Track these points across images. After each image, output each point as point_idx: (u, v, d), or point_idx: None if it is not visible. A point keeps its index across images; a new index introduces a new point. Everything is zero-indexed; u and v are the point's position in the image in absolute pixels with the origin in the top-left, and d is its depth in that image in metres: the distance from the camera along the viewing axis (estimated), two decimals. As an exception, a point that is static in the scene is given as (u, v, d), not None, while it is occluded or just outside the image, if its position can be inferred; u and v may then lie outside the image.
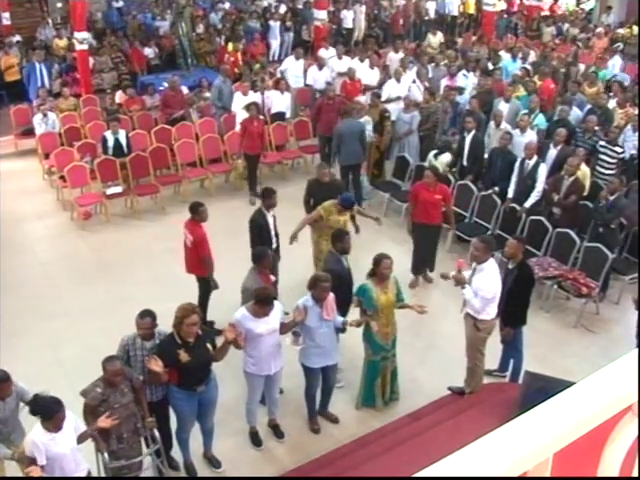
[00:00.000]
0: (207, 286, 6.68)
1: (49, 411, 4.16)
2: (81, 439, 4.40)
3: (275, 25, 17.05)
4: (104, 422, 4.42)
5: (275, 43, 17.03)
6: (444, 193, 7.62)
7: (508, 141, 8.58)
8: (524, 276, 5.79)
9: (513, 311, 5.84)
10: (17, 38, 15.32)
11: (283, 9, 18.59)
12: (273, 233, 6.87)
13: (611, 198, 7.38)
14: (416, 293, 7.47)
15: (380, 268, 5.52)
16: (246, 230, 8.83)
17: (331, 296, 5.37)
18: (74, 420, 4.37)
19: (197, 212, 6.55)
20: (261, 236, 6.68)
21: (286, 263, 7.06)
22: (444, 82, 11.53)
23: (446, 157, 9.06)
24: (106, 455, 4.64)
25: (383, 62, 13.24)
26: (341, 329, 5.54)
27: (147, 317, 4.91)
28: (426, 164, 8.99)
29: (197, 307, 4.97)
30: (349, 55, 13.12)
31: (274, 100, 11.19)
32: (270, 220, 6.86)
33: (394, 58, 13.25)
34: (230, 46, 14.73)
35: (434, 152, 9.21)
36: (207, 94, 11.73)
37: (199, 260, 6.58)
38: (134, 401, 4.77)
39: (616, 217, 7.39)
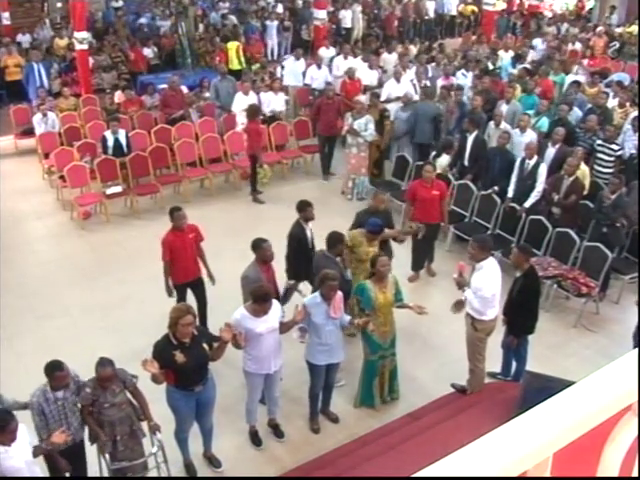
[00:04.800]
0: (200, 292, 6.60)
1: (1, 422, 4.03)
2: (36, 453, 4.30)
3: (272, 25, 17.04)
4: (58, 437, 4.30)
5: (271, 42, 17.01)
6: (441, 189, 7.67)
7: (506, 140, 8.61)
8: (529, 286, 5.77)
9: (518, 320, 5.86)
10: (27, 38, 15.36)
11: (281, 9, 18.59)
12: (310, 247, 6.64)
13: (612, 197, 7.39)
14: (416, 292, 7.47)
15: (377, 266, 5.54)
16: (246, 229, 8.86)
17: (339, 295, 5.38)
18: (27, 434, 4.26)
19: (170, 216, 6.43)
20: (299, 249, 6.51)
21: (283, 265, 7.04)
22: (440, 82, 11.54)
23: (445, 159, 9.10)
24: (107, 457, 4.64)
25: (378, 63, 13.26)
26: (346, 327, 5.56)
27: (63, 370, 4.47)
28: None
29: (191, 307, 4.95)
30: (351, 55, 13.12)
31: (271, 101, 11.16)
32: (308, 233, 6.66)
33: (388, 59, 13.26)
34: (227, 45, 14.69)
35: (433, 154, 9.26)
36: (207, 94, 11.74)
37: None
38: (129, 403, 4.76)
39: (620, 216, 7.39)
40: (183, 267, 6.48)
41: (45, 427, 4.44)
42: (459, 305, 5.81)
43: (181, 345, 4.73)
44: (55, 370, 4.42)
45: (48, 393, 4.46)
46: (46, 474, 4.65)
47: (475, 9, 20.70)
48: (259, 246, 5.81)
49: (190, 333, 4.75)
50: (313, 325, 5.36)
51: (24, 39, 15.43)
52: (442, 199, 7.68)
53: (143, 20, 17.08)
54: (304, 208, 6.60)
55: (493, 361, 6.08)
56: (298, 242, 6.52)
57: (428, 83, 11.43)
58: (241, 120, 10.53)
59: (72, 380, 4.59)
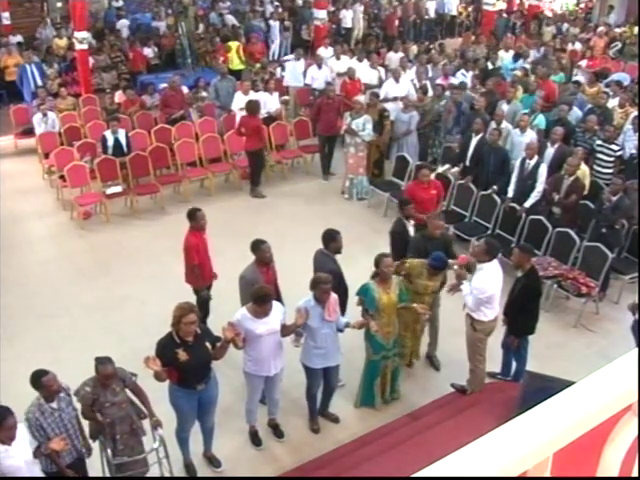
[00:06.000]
0: (200, 298, 6.50)
1: None
2: (36, 454, 4.28)
3: (275, 25, 17.04)
4: (56, 444, 4.28)
5: (275, 43, 17.00)
6: (438, 187, 7.75)
7: (497, 137, 8.66)
8: (530, 286, 5.77)
9: (518, 320, 5.86)
10: (18, 39, 15.31)
11: (280, 9, 18.58)
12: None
13: (614, 199, 7.38)
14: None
15: (381, 267, 5.52)
16: (246, 229, 8.86)
17: (333, 297, 5.35)
18: (28, 433, 4.25)
19: (192, 218, 6.32)
20: (403, 245, 6.47)
21: (286, 262, 7.04)
22: (439, 82, 11.55)
23: (455, 169, 9.15)
24: (109, 451, 4.65)
25: (382, 62, 13.26)
26: (341, 330, 5.54)
27: (49, 374, 4.40)
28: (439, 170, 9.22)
29: (195, 306, 4.94)
30: (348, 55, 13.13)
31: (266, 102, 11.15)
32: (410, 229, 6.69)
33: (393, 58, 13.28)
34: (229, 45, 14.68)
35: (447, 166, 9.32)
36: (204, 94, 11.73)
37: (189, 269, 6.40)
38: (129, 401, 4.76)
39: (621, 218, 7.38)
40: (208, 269, 6.47)
41: (45, 442, 4.37)
42: (454, 287, 5.83)
43: (184, 343, 4.74)
44: (40, 377, 4.36)
45: (43, 406, 4.39)
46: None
47: (469, 9, 20.79)
48: (258, 247, 5.79)
49: (193, 332, 4.75)
50: (308, 328, 5.34)
51: (16, 39, 15.30)
52: (439, 197, 7.72)
53: (125, 21, 16.92)
54: (404, 207, 6.72)
55: (493, 361, 6.09)
56: (401, 239, 6.58)
57: (429, 83, 11.43)
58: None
59: (63, 390, 4.54)
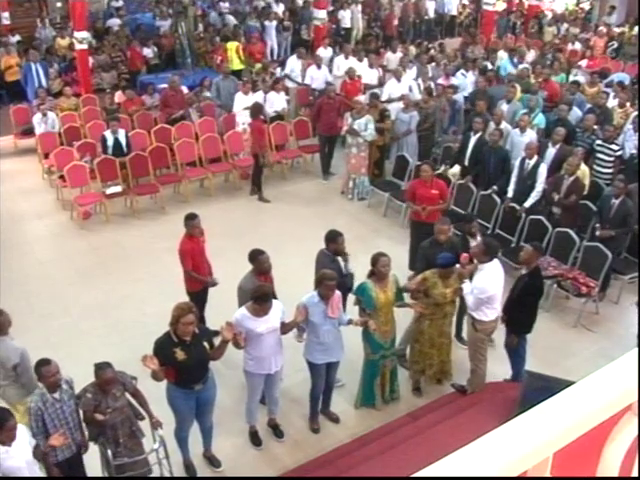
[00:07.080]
0: (198, 299, 6.44)
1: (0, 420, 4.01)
2: (35, 454, 4.29)
3: (271, 25, 17.01)
4: (56, 440, 4.30)
5: (270, 43, 16.98)
6: (441, 188, 7.64)
7: (497, 137, 8.64)
8: (532, 285, 5.77)
9: (519, 317, 5.85)
10: (17, 38, 15.30)
11: (281, 9, 18.54)
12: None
13: (616, 202, 7.36)
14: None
15: (378, 266, 5.53)
16: (246, 229, 8.88)
17: (337, 294, 5.38)
18: (28, 434, 4.26)
19: (186, 225, 6.32)
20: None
21: (286, 262, 7.05)
22: (440, 82, 11.57)
23: (456, 168, 9.14)
24: (109, 452, 4.65)
25: (381, 62, 13.26)
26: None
27: (50, 364, 4.44)
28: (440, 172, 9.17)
29: (193, 306, 4.94)
30: (351, 54, 13.12)
31: (274, 102, 11.18)
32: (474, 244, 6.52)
33: (392, 58, 13.28)
34: (227, 45, 14.67)
35: (448, 165, 9.29)
36: (207, 93, 11.74)
37: (185, 273, 6.41)
38: (129, 404, 4.76)
39: (628, 225, 7.36)
40: (203, 273, 6.48)
41: (42, 433, 4.39)
42: (456, 289, 5.82)
43: (182, 343, 4.74)
44: (41, 366, 4.40)
45: (45, 395, 4.42)
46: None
47: (466, 7, 20.85)
48: (256, 258, 5.76)
49: (191, 332, 4.75)
50: (311, 324, 5.37)
51: (14, 39, 15.28)
52: (443, 199, 7.65)
53: (116, 20, 16.85)
54: (467, 224, 6.55)
55: (494, 361, 6.07)
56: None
57: (432, 84, 11.43)
58: (241, 120, 10.54)
59: (65, 382, 4.56)
